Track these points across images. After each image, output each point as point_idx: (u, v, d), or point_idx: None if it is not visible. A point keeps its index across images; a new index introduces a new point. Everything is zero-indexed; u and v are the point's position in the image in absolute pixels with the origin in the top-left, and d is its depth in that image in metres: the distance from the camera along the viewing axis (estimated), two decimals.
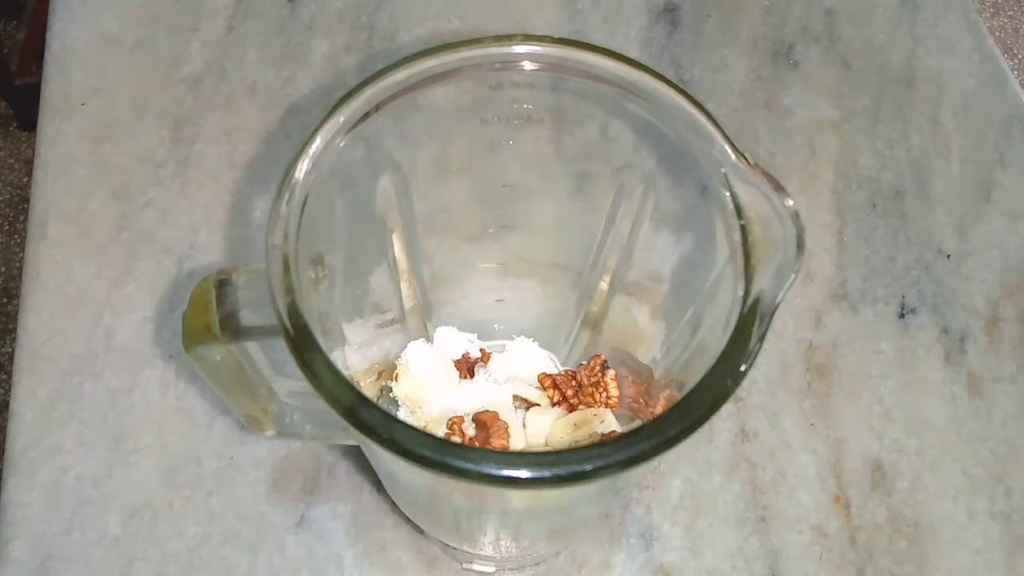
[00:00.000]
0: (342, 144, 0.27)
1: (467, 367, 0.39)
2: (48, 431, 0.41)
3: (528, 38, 0.28)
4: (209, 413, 0.41)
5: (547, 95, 0.30)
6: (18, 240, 1.21)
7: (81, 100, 0.51)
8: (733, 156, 0.26)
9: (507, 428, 0.35)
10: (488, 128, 0.32)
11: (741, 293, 0.25)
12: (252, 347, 0.31)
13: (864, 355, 0.45)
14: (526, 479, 0.22)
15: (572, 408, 0.37)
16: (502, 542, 0.35)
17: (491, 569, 0.39)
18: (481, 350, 0.39)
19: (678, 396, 0.26)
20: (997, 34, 1.48)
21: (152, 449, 0.41)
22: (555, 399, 0.38)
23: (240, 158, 0.49)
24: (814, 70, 0.54)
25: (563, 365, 0.40)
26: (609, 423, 0.36)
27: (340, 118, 0.27)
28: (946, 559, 0.40)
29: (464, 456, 0.22)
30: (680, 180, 0.30)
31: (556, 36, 0.28)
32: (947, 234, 0.49)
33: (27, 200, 0.48)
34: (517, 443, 0.36)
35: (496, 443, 0.34)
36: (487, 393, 0.37)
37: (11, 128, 1.31)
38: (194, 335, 0.28)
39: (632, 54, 0.28)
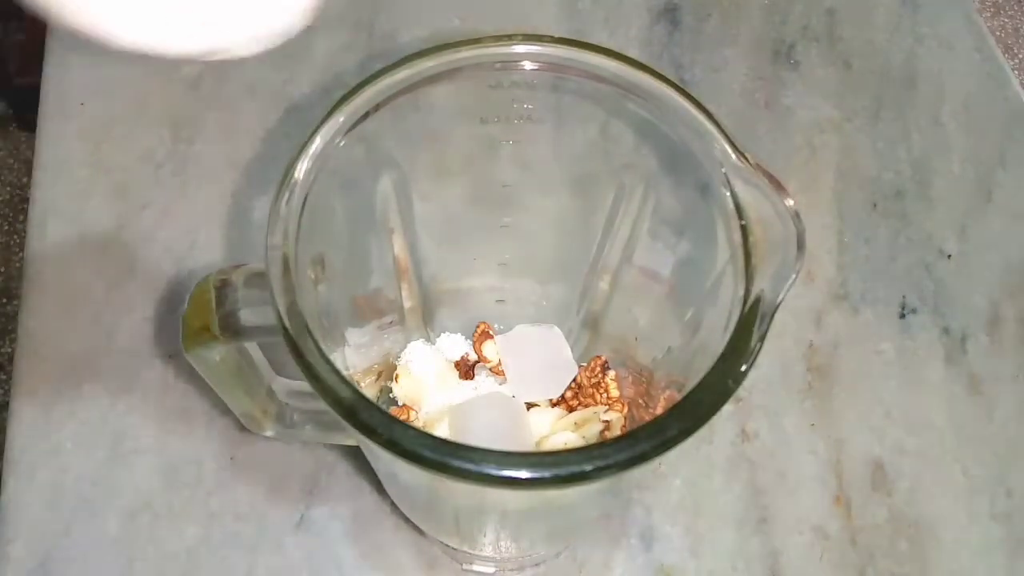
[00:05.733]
0: (342, 144, 0.27)
1: (467, 367, 0.39)
2: (48, 431, 0.41)
3: (528, 38, 0.28)
4: (209, 413, 0.41)
5: (547, 95, 0.30)
6: (18, 240, 1.21)
7: (81, 100, 0.51)
8: (733, 156, 0.26)
9: None
10: (488, 128, 0.31)
11: (741, 293, 0.25)
12: (252, 347, 0.31)
13: (865, 355, 0.45)
14: (526, 479, 0.22)
15: (572, 410, 0.37)
16: (502, 543, 0.35)
17: (491, 570, 0.39)
18: None
19: (678, 397, 0.26)
20: (998, 34, 1.48)
21: (152, 449, 0.41)
22: (554, 400, 0.38)
23: (240, 158, 0.49)
24: (814, 70, 0.54)
25: None
26: (609, 423, 0.36)
27: (340, 118, 0.27)
28: (947, 560, 0.40)
29: (464, 456, 0.22)
30: (680, 180, 0.30)
31: (556, 36, 0.28)
32: (948, 234, 0.49)
33: (27, 200, 0.48)
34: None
35: None
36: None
37: (11, 128, 1.31)
38: (194, 335, 0.28)
39: (632, 54, 0.28)
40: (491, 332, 0.39)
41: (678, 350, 0.32)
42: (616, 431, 0.37)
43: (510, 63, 0.29)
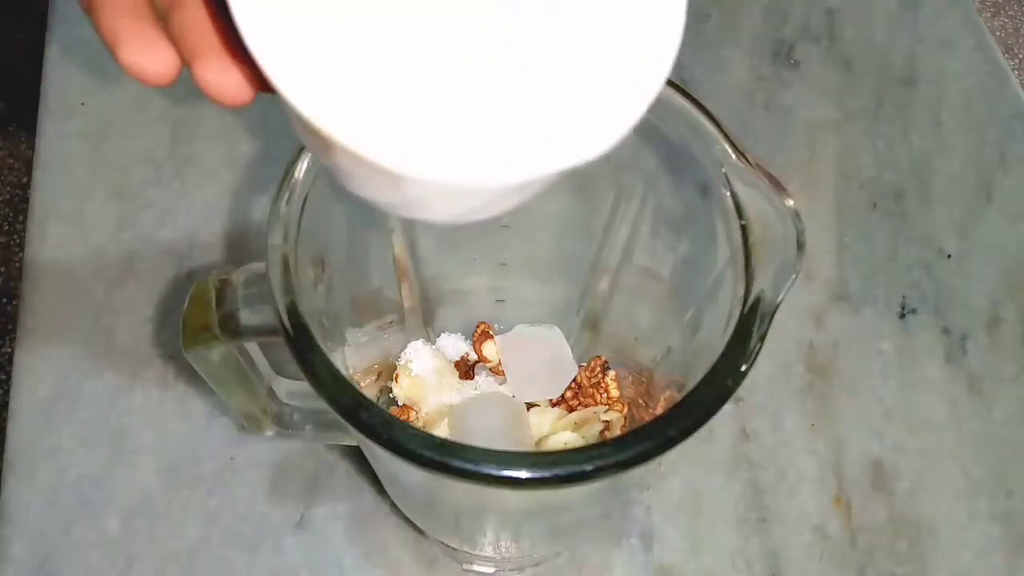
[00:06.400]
0: None
1: (467, 367, 0.39)
2: (48, 431, 0.41)
3: None
4: (209, 413, 0.41)
5: None
6: (18, 240, 1.21)
7: (81, 100, 0.51)
8: (733, 156, 0.26)
9: None
10: None
11: (741, 293, 0.25)
12: (252, 347, 0.31)
13: (865, 355, 0.45)
14: (526, 479, 0.22)
15: (572, 410, 0.38)
16: (502, 543, 0.35)
17: (491, 570, 0.39)
18: None
19: (678, 397, 0.26)
20: (998, 34, 1.48)
21: (152, 449, 0.41)
22: (554, 400, 0.38)
23: (240, 158, 0.49)
24: (814, 70, 0.54)
25: None
26: (609, 423, 0.36)
27: None
28: (947, 560, 0.40)
29: (464, 456, 0.22)
30: (680, 180, 0.30)
31: None
32: (948, 234, 0.49)
33: (27, 200, 0.48)
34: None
35: None
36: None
37: (11, 128, 1.31)
38: (193, 335, 0.28)
39: None
40: (491, 332, 0.39)
41: (678, 350, 0.32)
42: (616, 431, 0.37)
43: None
